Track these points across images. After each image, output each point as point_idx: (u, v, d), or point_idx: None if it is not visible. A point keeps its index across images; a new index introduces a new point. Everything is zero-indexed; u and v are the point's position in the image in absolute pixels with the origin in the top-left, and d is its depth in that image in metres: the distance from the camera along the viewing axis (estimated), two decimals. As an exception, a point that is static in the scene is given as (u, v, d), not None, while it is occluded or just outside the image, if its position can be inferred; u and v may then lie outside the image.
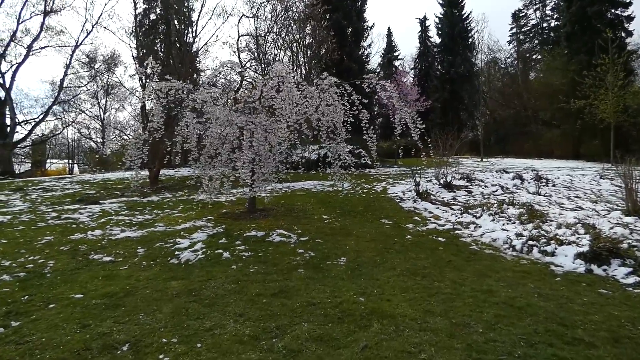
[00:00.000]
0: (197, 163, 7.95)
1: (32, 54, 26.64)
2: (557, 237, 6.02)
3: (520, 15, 41.51)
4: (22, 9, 26.09)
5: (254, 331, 3.45)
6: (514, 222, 7.13)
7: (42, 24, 26.42)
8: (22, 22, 26.04)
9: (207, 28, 33.81)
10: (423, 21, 41.29)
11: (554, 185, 11.81)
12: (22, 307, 4.08)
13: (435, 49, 39.84)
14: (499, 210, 7.86)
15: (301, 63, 21.00)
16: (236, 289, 4.44)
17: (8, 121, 25.95)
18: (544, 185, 11.50)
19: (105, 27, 29.90)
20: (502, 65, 41.92)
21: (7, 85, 25.71)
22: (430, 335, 3.31)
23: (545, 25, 39.99)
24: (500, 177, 12.80)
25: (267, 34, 19.10)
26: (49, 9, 26.28)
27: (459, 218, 7.91)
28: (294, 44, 19.97)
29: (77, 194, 12.75)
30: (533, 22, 41.23)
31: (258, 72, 19.00)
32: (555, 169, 17.46)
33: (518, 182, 11.84)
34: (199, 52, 23.69)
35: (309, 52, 20.96)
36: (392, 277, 4.77)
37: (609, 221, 7.37)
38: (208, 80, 12.37)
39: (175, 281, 4.73)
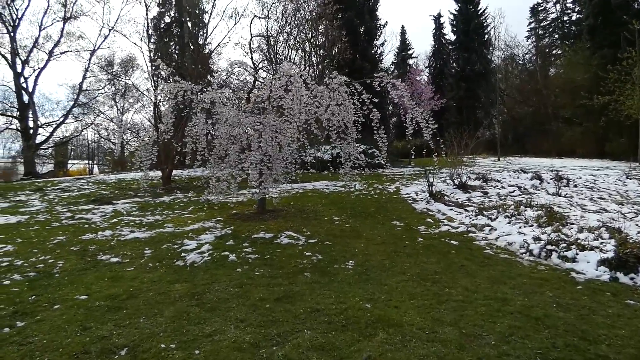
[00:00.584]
0: (205, 164, 7.92)
1: (53, 59, 27.32)
2: (579, 241, 5.70)
3: (539, 9, 40.40)
4: (43, 16, 26.87)
5: (254, 338, 3.33)
6: (532, 225, 6.84)
7: (62, 30, 27.09)
8: (43, 29, 26.78)
9: (219, 29, 34.07)
10: (437, 18, 40.78)
11: (575, 186, 11.37)
12: (28, 307, 4.08)
13: (450, 47, 39.27)
14: (516, 212, 7.56)
15: (314, 63, 20.88)
16: (239, 292, 4.33)
17: (31, 124, 26.65)
18: (564, 186, 11.08)
19: (119, 32, 30.55)
20: (520, 62, 40.92)
21: (30, 89, 26.44)
22: (439, 347, 3.12)
23: (566, 18, 38.82)
24: (517, 177, 12.41)
25: (279, 34, 19.06)
26: (69, 16, 26.91)
27: (473, 220, 7.64)
28: (306, 43, 19.88)
29: (93, 194, 12.93)
30: (553, 15, 40.07)
31: (270, 72, 18.98)
32: (577, 169, 16.90)
33: (537, 183, 11.44)
34: (212, 54, 23.80)
35: (321, 51, 20.82)
36: (401, 283, 4.59)
37: (637, 225, 6.98)
38: (218, 81, 12.40)
39: (179, 284, 4.66)
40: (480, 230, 7.07)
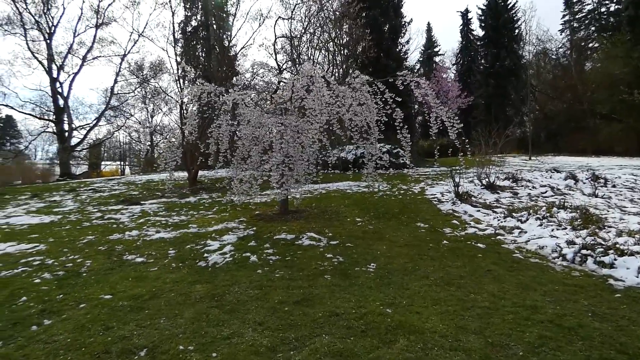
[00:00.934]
0: (228, 165, 7.99)
1: (86, 64, 28.54)
2: (617, 246, 5.34)
3: (574, 0, 38.66)
4: (77, 23, 28.23)
5: (271, 342, 3.29)
6: (565, 228, 6.49)
7: (95, 35, 28.27)
8: (77, 35, 28.08)
9: (243, 30, 34.53)
10: (465, 14, 39.94)
11: (614, 186, 10.78)
12: (55, 306, 4.19)
13: (479, 43, 38.28)
14: (548, 214, 7.21)
15: (338, 62, 20.76)
16: (259, 295, 4.31)
17: (66, 127, 27.90)
18: (601, 186, 10.53)
19: (147, 38, 31.58)
20: (553, 56, 39.30)
21: (65, 93, 27.70)
22: (462, 356, 2.98)
23: (603, 10, 36.89)
24: (550, 177, 11.90)
25: (302, 35, 19.08)
26: (101, 22, 28.06)
27: (501, 222, 7.34)
28: (330, 43, 19.80)
29: (122, 194, 13.32)
30: (589, 7, 38.16)
31: (294, 73, 19.02)
32: (616, 168, 16.05)
33: (571, 183, 10.92)
34: (238, 55, 24.13)
35: (345, 51, 20.69)
36: (423, 287, 4.43)
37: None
38: (243, 82, 12.51)
39: (200, 285, 4.68)
40: (509, 233, 6.79)
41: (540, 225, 6.85)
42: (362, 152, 12.97)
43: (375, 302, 4.02)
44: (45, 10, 26.41)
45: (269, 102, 8.74)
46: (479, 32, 38.14)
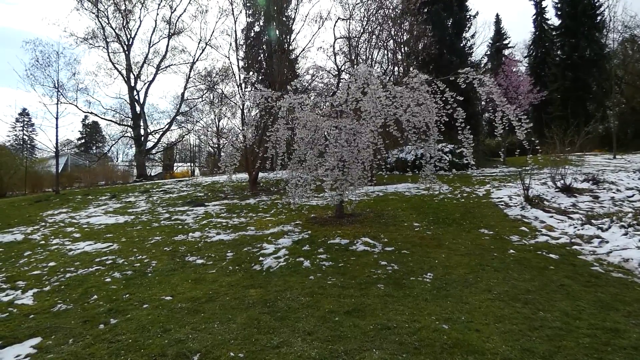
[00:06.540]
0: (283, 168, 8.10)
1: (160, 72, 30.72)
2: None
3: (670, -20, 34.18)
4: (152, 34, 30.64)
5: (320, 354, 3.22)
6: (657, 239, 5.70)
7: (167, 45, 30.35)
8: (152, 46, 30.35)
9: (303, 33, 35.01)
10: (539, 2, 36.97)
11: None
12: (122, 306, 4.49)
13: (554, 33, 35.20)
14: (635, 222, 6.38)
15: (398, 61, 20.23)
16: (310, 302, 4.27)
17: (142, 131, 30.29)
18: None
19: (212, 46, 33.22)
20: (643, 44, 34.96)
21: (141, 101, 30.09)
22: (527, 386, 2.68)
23: None
24: (639, 178, 10.57)
25: (361, 34, 18.83)
26: (173, 32, 30.05)
27: (578, 230, 6.63)
28: (390, 41, 19.35)
29: (189, 196, 14.12)
30: (688, -14, 33.54)
31: (352, 74, 18.84)
32: None
33: (665, 185, 9.61)
34: (298, 58, 24.52)
35: (405, 48, 20.11)
36: (485, 302, 4.10)
37: None
38: (302, 85, 12.62)
39: (254, 289, 4.76)
40: (587, 243, 6.10)
41: (626, 234, 6.07)
42: (423, 153, 12.50)
43: (430, 317, 3.79)
44: (124, 24, 28.91)
45: (328, 104, 8.71)
46: (555, 22, 35.13)
